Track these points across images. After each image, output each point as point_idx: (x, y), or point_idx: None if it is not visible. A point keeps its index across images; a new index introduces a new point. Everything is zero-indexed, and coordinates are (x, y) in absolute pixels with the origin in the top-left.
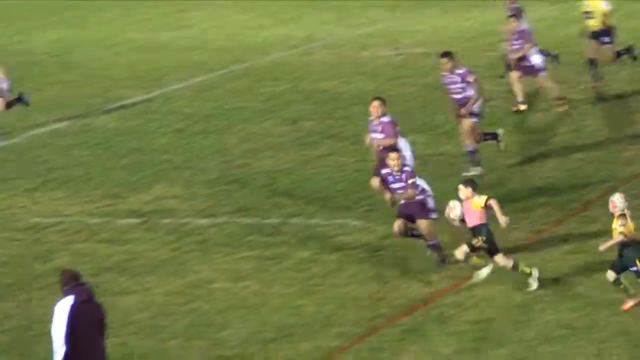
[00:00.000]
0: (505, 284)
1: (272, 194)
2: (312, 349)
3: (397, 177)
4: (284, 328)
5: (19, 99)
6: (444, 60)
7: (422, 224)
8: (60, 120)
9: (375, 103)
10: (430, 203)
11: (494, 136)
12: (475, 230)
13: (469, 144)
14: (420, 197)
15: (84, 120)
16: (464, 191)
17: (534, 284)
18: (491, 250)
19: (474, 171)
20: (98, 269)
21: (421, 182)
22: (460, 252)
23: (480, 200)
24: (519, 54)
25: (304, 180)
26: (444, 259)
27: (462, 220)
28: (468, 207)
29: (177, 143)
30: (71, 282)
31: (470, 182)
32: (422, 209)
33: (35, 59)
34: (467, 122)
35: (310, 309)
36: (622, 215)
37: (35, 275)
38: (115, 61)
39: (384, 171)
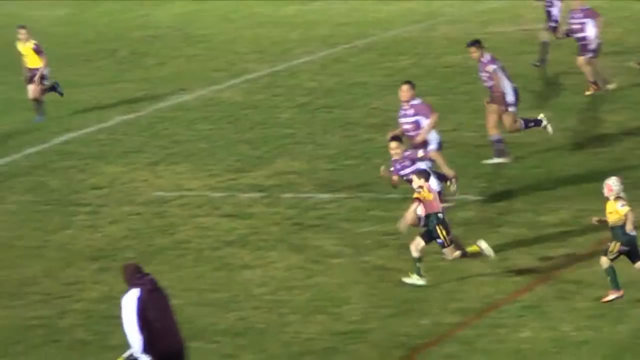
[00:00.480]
0: (625, 261)
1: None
2: (431, 325)
3: (403, 164)
4: (404, 303)
5: (53, 88)
6: (472, 49)
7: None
8: (184, 93)
9: (405, 87)
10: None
11: (538, 122)
12: (428, 219)
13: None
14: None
15: (208, 94)
16: (417, 182)
17: (490, 254)
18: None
19: (497, 160)
20: (220, 243)
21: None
22: (452, 253)
23: (427, 193)
24: (582, 34)
25: None
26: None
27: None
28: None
29: (300, 117)
30: (135, 274)
31: (423, 173)
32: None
33: (159, 33)
34: (508, 116)
35: (429, 285)
36: (620, 198)
37: (158, 249)
38: (240, 35)
39: (393, 159)
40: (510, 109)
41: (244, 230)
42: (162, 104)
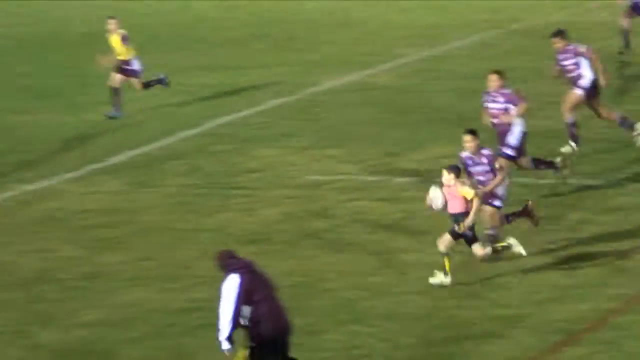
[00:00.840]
0: None
1: (549, 153)
2: (587, 311)
3: (476, 161)
4: (559, 289)
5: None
6: (555, 39)
7: (487, 210)
8: (338, 77)
9: (493, 76)
10: (500, 190)
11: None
12: (457, 218)
13: (569, 117)
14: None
15: (363, 78)
16: (447, 177)
17: (521, 251)
18: (470, 238)
19: (567, 147)
20: (375, 227)
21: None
22: (443, 243)
23: (468, 192)
24: None
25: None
26: (497, 250)
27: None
28: (452, 192)
29: (453, 102)
30: (231, 260)
31: (454, 168)
32: (489, 196)
33: (313, 18)
34: (573, 94)
35: (585, 271)
36: None
37: (313, 232)
38: (394, 19)
39: (463, 154)
40: (578, 91)
41: (399, 215)
42: (316, 88)
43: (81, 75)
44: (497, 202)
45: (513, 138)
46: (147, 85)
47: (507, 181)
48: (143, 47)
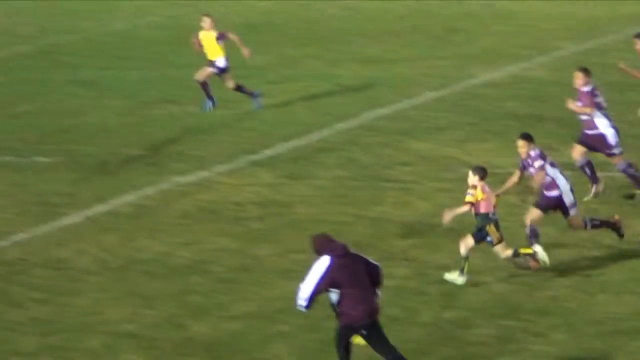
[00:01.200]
0: None
1: None
2: None
3: (529, 162)
4: None
5: (251, 94)
6: (636, 41)
7: (572, 220)
8: (494, 70)
9: (578, 74)
10: (566, 200)
11: None
12: (483, 217)
13: None
14: (554, 192)
15: (517, 71)
16: (471, 178)
17: (545, 259)
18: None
19: None
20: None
21: (555, 175)
22: (504, 251)
23: (468, 198)
24: None
25: None
26: (617, 229)
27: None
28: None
29: (609, 96)
30: (325, 242)
31: (479, 170)
32: (563, 206)
33: (472, 10)
34: None
35: None
36: None
37: (467, 225)
38: (548, 12)
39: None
40: None
41: None
42: (471, 81)
43: (251, 67)
44: (572, 211)
45: (609, 138)
46: (204, 84)
47: (568, 186)
48: (302, 41)
